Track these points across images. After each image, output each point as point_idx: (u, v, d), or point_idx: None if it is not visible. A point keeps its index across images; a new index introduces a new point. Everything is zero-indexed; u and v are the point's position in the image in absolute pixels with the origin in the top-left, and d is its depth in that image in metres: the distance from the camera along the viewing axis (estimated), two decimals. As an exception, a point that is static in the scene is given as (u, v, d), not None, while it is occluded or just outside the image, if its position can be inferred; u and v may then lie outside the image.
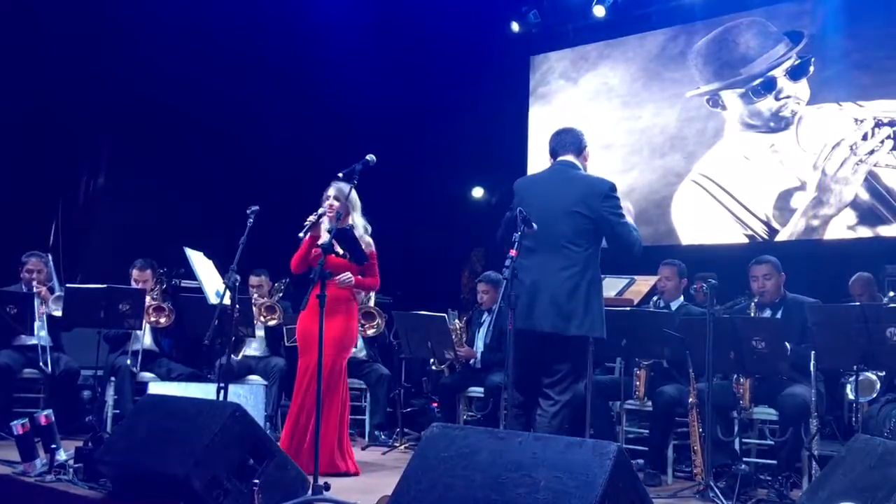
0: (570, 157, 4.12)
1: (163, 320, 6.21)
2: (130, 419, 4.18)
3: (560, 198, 3.98)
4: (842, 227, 7.23)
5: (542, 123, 9.15)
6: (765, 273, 4.94)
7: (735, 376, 4.69)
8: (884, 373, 4.89)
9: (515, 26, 9.20)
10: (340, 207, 4.76)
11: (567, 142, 4.16)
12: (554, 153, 4.17)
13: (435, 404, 6.80)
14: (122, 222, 8.34)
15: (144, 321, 6.01)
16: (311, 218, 4.76)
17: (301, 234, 4.73)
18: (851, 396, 5.04)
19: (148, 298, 6.09)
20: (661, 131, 8.37)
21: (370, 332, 6.55)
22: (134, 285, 6.17)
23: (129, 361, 5.95)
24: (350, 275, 4.78)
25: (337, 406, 4.83)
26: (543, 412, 3.96)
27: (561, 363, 3.97)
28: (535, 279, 3.90)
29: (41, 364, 5.84)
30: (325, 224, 4.83)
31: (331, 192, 4.83)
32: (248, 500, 3.44)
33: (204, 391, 5.22)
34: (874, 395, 4.89)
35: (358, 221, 4.90)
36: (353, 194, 4.77)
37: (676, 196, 8.20)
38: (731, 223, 7.83)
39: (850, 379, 4.91)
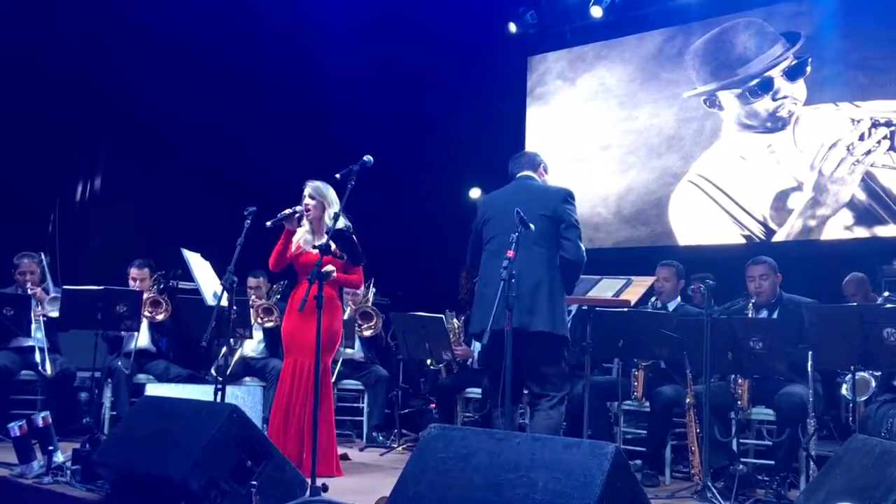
0: (528, 172, 4.46)
1: (160, 316, 6.21)
2: (128, 421, 4.18)
3: (524, 203, 4.12)
4: (839, 228, 7.23)
5: (539, 124, 9.16)
6: (761, 273, 4.95)
7: (733, 377, 4.69)
8: (879, 373, 4.90)
9: (513, 27, 9.19)
10: (317, 206, 4.74)
11: (523, 162, 4.52)
12: (513, 174, 4.49)
13: (433, 405, 6.80)
14: (120, 223, 8.34)
15: (143, 319, 6.01)
16: (286, 211, 4.74)
17: (268, 224, 4.69)
18: (846, 395, 5.04)
19: (145, 294, 6.09)
20: (659, 132, 8.37)
21: (367, 332, 6.55)
22: (132, 283, 6.17)
23: (125, 357, 5.95)
24: (332, 267, 4.52)
25: (330, 407, 4.81)
26: (540, 406, 4.12)
27: (542, 364, 4.09)
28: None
29: (38, 365, 5.84)
30: (305, 225, 4.82)
31: (306, 191, 4.81)
32: (246, 501, 3.44)
33: (201, 393, 5.22)
34: (869, 395, 4.90)
35: (329, 217, 4.65)
36: (331, 192, 4.71)
37: (673, 196, 8.20)
38: (728, 224, 7.83)
39: (846, 378, 4.92)
